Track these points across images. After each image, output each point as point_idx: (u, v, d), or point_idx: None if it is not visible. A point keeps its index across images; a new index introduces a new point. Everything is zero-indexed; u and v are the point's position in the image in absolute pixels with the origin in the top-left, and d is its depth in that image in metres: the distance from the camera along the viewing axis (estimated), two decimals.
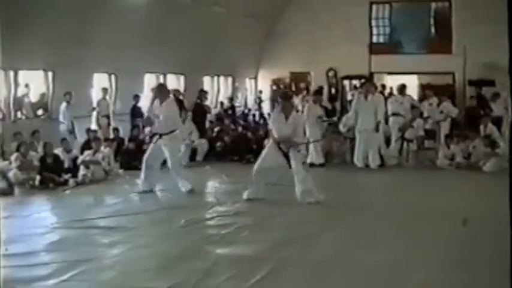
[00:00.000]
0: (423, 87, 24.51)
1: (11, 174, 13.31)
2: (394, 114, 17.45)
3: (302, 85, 27.46)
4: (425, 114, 18.05)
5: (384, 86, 25.00)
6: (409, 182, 13.79)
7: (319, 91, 19.36)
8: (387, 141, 16.84)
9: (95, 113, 19.11)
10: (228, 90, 27.31)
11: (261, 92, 27.82)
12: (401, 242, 8.27)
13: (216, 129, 19.22)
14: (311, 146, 15.75)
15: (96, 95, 19.41)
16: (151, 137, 14.04)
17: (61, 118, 17.21)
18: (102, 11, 17.13)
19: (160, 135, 12.39)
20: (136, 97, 19.35)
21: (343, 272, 7.00)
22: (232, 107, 25.40)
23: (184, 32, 20.96)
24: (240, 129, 20.67)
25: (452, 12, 26.09)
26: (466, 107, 22.61)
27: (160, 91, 12.96)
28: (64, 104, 17.10)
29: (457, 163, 15.31)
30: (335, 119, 18.90)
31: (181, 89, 22.71)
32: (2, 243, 8.28)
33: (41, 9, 15.21)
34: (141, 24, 18.93)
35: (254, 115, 25.80)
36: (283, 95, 12.55)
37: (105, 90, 19.36)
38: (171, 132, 12.35)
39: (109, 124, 18.92)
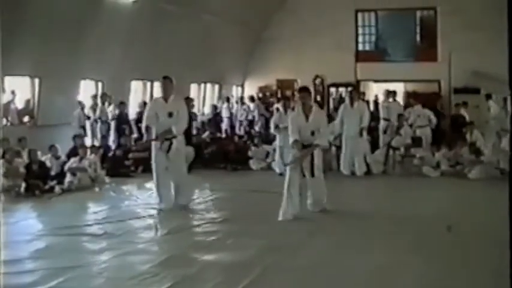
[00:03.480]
0: (409, 95, 24.64)
1: None
2: (384, 119, 17.92)
3: (288, 92, 27.51)
4: (409, 122, 18.21)
5: (364, 94, 25.02)
6: (395, 189, 13.83)
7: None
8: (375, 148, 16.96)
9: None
10: (215, 98, 27.29)
11: (253, 98, 27.29)
12: (388, 248, 8.29)
13: (204, 135, 19.38)
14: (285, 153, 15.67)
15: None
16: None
17: (74, 123, 17.76)
18: (89, 18, 17.09)
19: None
20: (122, 104, 19.32)
21: (329, 278, 7.02)
22: (217, 115, 25.36)
23: (172, 39, 20.96)
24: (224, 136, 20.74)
25: (438, 20, 26.26)
26: (451, 114, 22.74)
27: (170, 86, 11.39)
28: (78, 110, 17.81)
29: (442, 171, 15.38)
30: None
31: None
32: None
33: (28, 17, 15.17)
34: (128, 32, 18.90)
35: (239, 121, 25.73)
36: (303, 88, 11.12)
37: (109, 97, 19.20)
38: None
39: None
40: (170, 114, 11.09)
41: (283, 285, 6.90)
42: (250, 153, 17.33)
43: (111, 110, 18.83)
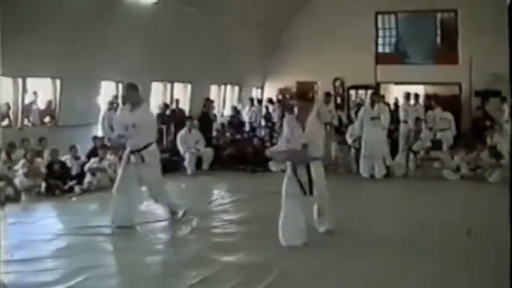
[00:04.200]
0: (429, 98, 24.50)
1: (17, 181, 13.39)
2: (403, 121, 17.87)
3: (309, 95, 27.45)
4: (429, 125, 18.16)
5: (383, 96, 24.94)
6: (414, 193, 13.79)
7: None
8: (395, 150, 16.89)
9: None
10: (234, 99, 27.31)
11: (271, 100, 27.26)
12: (402, 252, 8.28)
13: (223, 137, 19.47)
14: None
15: (103, 103, 19.44)
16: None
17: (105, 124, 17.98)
18: (109, 20, 17.18)
19: (133, 152, 9.98)
20: None
21: (346, 281, 7.03)
22: (236, 116, 25.38)
23: (192, 41, 21.02)
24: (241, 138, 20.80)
25: (458, 22, 26.08)
26: (471, 117, 22.61)
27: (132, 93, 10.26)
28: (106, 111, 18.15)
29: (462, 174, 15.30)
30: None
31: (188, 98, 22.95)
32: (8, 249, 8.36)
33: (49, 18, 15.29)
34: (149, 33, 18.98)
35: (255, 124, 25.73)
36: (300, 95, 9.82)
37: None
38: (147, 146, 10.04)
39: None
40: (134, 125, 9.81)
41: (300, 286, 6.91)
42: (268, 154, 17.33)
43: None
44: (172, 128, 19.66)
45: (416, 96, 19.49)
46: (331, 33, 26.17)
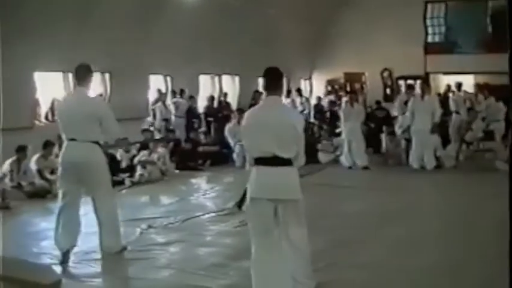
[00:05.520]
0: (480, 87, 24.07)
1: None
2: (455, 112, 17.63)
3: (356, 85, 27.32)
4: (482, 115, 17.88)
5: (449, 87, 24.51)
6: (464, 185, 13.55)
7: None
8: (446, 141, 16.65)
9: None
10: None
11: (299, 90, 26.64)
12: (452, 245, 8.18)
13: None
14: (353, 146, 15.79)
15: (152, 96, 19.58)
16: None
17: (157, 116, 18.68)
18: (156, 13, 17.31)
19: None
20: (192, 98, 19.54)
21: (396, 273, 6.96)
22: None
23: (238, 33, 21.04)
24: None
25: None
26: None
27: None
28: (159, 103, 18.75)
29: None
30: None
31: (237, 90, 23.01)
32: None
33: (97, 14, 15.47)
34: (195, 27, 19.06)
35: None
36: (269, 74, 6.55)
37: (184, 91, 19.59)
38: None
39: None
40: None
41: (348, 281, 6.85)
42: (320, 146, 17.30)
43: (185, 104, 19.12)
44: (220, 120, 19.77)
45: (479, 87, 19.22)
46: (380, 24, 25.86)
